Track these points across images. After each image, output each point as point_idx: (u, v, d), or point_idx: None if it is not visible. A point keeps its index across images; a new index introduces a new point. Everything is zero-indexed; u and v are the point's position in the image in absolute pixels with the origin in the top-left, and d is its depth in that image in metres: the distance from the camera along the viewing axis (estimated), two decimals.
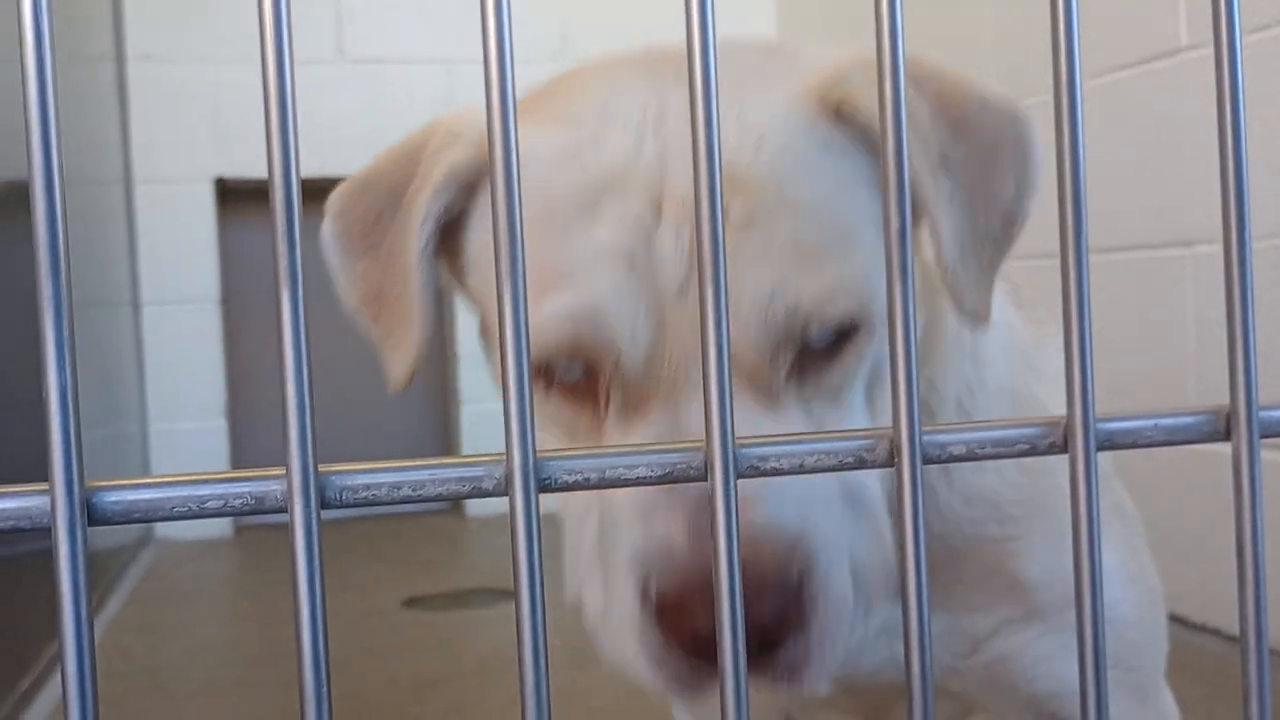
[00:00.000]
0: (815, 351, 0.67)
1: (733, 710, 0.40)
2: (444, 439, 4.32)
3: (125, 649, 2.55)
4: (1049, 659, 0.82)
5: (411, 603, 2.95)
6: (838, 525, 0.65)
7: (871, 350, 0.70)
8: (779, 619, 0.61)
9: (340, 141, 3.91)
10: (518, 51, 0.39)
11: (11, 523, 0.37)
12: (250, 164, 3.91)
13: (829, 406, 0.69)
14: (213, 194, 3.92)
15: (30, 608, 2.29)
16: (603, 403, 0.69)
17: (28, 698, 2.12)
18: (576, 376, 0.69)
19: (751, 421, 0.64)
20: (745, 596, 0.49)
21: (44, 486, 0.37)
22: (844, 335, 0.68)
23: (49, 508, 0.36)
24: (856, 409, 0.71)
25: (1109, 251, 2.52)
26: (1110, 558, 0.81)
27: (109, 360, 3.41)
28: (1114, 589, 0.81)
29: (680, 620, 0.61)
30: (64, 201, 0.36)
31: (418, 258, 0.74)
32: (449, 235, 0.77)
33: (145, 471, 3.83)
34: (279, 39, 0.38)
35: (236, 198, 4.03)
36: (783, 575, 0.61)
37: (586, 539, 0.71)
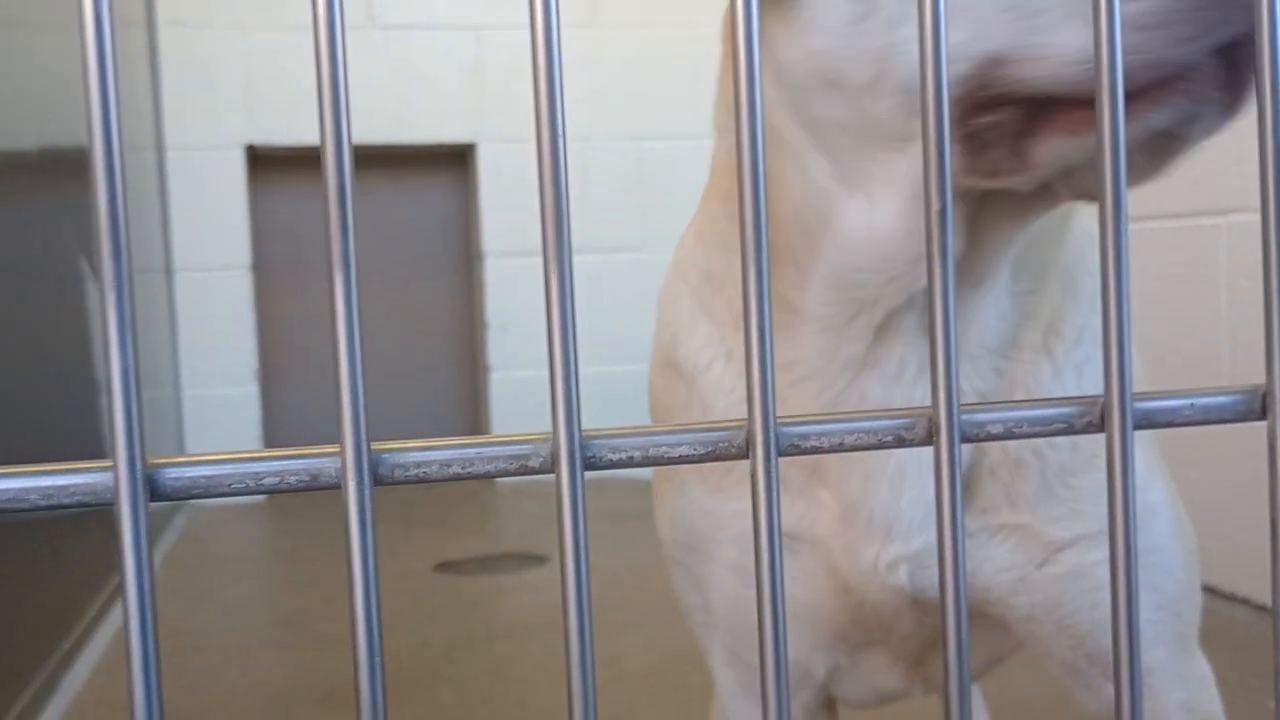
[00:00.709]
0: None
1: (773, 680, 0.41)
2: (472, 407, 4.34)
3: (161, 612, 2.60)
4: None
5: (442, 567, 2.99)
6: None
7: None
8: None
9: (369, 108, 3.92)
10: None
11: (78, 497, 0.38)
12: (280, 131, 3.93)
13: None
14: (243, 161, 3.94)
15: (70, 569, 2.33)
16: None
17: (69, 657, 2.17)
18: None
19: None
20: None
21: (108, 464, 0.38)
22: None
23: (113, 484, 0.38)
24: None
25: (1141, 220, 2.50)
26: (1159, 498, 0.82)
27: (143, 327, 3.44)
28: (1162, 536, 0.82)
29: None
30: (125, 184, 0.37)
31: None
32: None
33: (179, 435, 3.88)
34: (331, 25, 0.39)
35: (266, 165, 4.05)
36: None
37: None
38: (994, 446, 0.80)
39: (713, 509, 0.87)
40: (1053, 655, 0.85)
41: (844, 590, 0.84)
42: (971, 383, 0.78)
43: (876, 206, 0.70)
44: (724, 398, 0.85)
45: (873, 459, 0.80)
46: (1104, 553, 0.80)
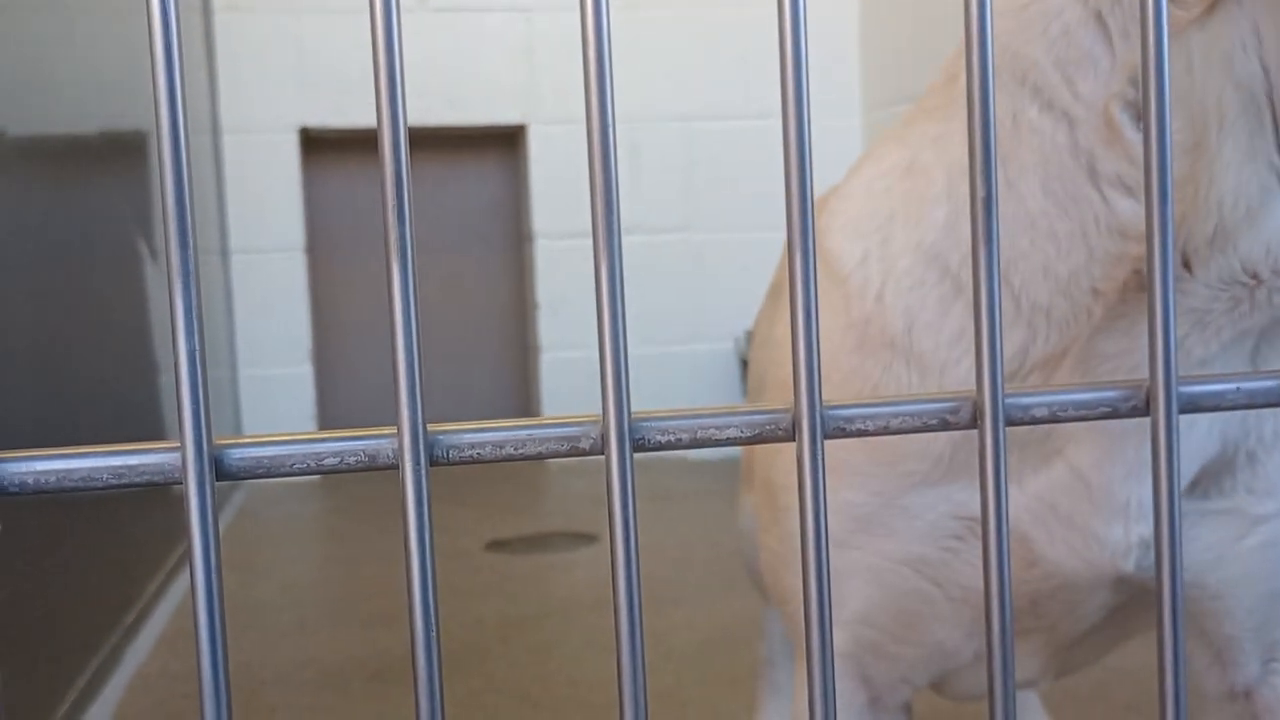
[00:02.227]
0: None
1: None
2: (522, 386, 4.37)
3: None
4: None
5: (494, 545, 3.02)
6: None
7: None
8: None
9: (420, 90, 3.95)
10: None
11: (147, 477, 0.40)
12: (333, 113, 3.96)
13: None
14: (297, 143, 3.99)
15: (132, 545, 2.39)
16: None
17: (132, 630, 2.22)
18: None
19: None
20: None
21: (175, 444, 0.39)
22: None
23: (180, 463, 0.39)
24: None
25: None
26: None
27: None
28: None
29: None
30: (190, 175, 0.38)
31: None
32: None
33: (236, 414, 3.94)
34: (388, 10, 0.40)
35: (320, 147, 4.09)
36: None
37: None
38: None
39: (900, 499, 0.83)
40: (1210, 629, 0.84)
41: (1041, 575, 0.81)
42: None
43: None
44: None
45: (1106, 439, 0.77)
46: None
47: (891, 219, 0.82)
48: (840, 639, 0.87)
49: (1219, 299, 0.70)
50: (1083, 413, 0.44)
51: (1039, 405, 0.43)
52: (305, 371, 4.05)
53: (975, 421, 0.43)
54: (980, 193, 0.42)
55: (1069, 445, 0.79)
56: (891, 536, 0.84)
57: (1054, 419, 0.43)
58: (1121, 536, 0.78)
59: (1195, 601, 0.82)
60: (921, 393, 0.48)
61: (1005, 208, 0.73)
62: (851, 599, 0.86)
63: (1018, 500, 0.80)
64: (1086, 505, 0.79)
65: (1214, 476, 0.80)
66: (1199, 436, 0.78)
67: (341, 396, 4.25)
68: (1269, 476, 0.80)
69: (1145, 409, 0.43)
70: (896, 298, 0.80)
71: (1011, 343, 0.75)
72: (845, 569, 0.85)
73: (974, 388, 0.43)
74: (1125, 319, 0.73)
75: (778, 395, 0.95)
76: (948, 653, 0.88)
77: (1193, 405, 0.44)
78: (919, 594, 0.84)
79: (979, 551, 0.82)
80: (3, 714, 0.37)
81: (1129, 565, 0.79)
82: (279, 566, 2.97)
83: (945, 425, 0.43)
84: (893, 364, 0.81)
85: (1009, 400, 0.43)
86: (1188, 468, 0.78)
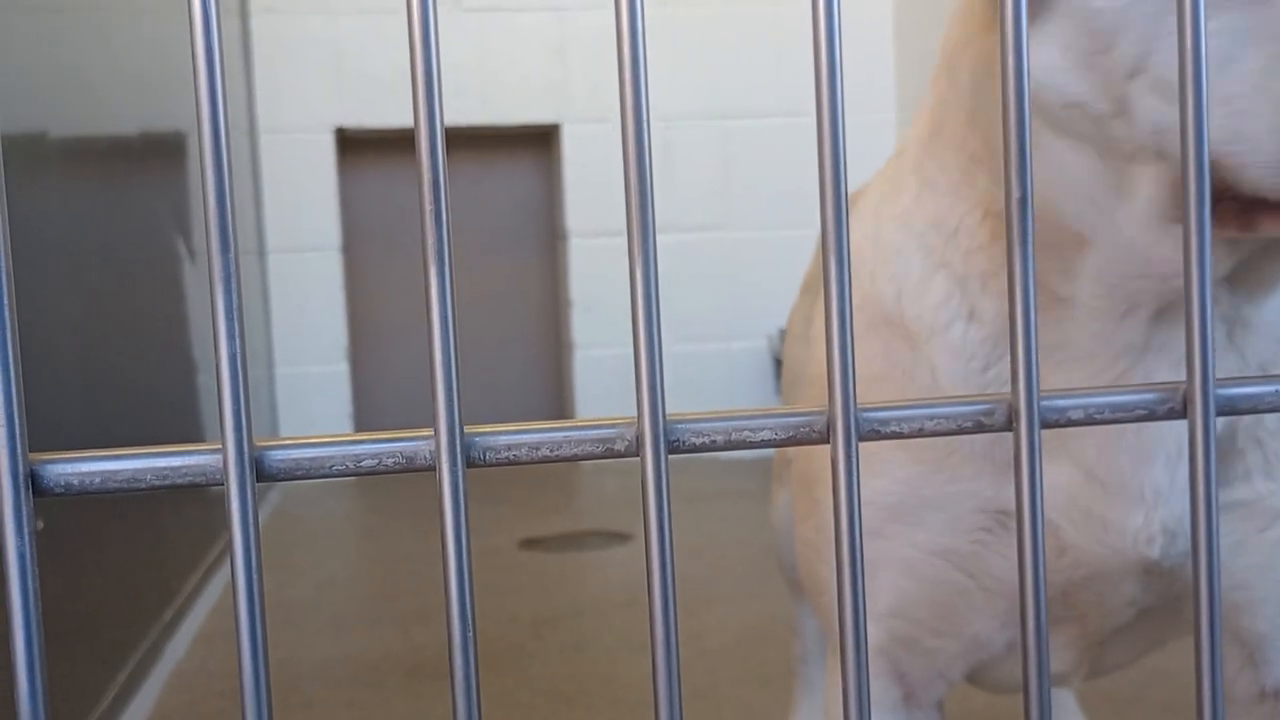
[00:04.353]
0: None
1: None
2: (556, 384, 4.38)
3: None
4: None
5: (528, 544, 3.03)
6: None
7: None
8: None
9: (455, 90, 3.97)
10: None
11: (189, 478, 0.40)
12: (369, 114, 3.99)
13: None
14: (333, 143, 4.02)
15: (170, 543, 2.41)
16: None
17: (171, 627, 2.25)
18: None
19: None
20: None
21: (216, 446, 0.40)
22: None
23: (222, 465, 0.40)
24: None
25: None
26: None
27: None
28: None
29: None
30: (232, 180, 0.39)
31: None
32: None
33: (273, 413, 3.97)
34: (425, 14, 0.40)
35: (356, 147, 4.11)
36: None
37: None
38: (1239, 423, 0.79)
39: (925, 490, 0.84)
40: (1244, 626, 0.83)
41: (1071, 564, 0.82)
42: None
43: (1133, 217, 0.69)
44: (963, 364, 0.80)
45: (1103, 434, 0.78)
46: None
47: (880, 204, 0.87)
48: (874, 634, 0.87)
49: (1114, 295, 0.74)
50: (1119, 415, 0.44)
51: (1074, 408, 0.43)
52: (341, 370, 4.08)
53: (1010, 424, 0.42)
54: (1016, 193, 0.41)
55: (1071, 442, 0.79)
56: (921, 526, 0.84)
57: (1089, 421, 0.43)
58: (1142, 524, 0.79)
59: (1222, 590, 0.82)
60: (956, 395, 0.47)
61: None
62: (885, 592, 0.86)
63: (1049, 498, 0.80)
64: (1103, 497, 0.79)
65: (1224, 464, 0.79)
66: None
67: (377, 394, 4.28)
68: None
69: (1182, 411, 0.43)
70: (885, 268, 0.84)
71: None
72: (878, 560, 0.85)
73: (1009, 390, 0.43)
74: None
75: (813, 391, 0.96)
76: (982, 644, 0.88)
77: (1230, 407, 0.43)
78: (953, 585, 0.84)
79: (1009, 542, 0.82)
80: (47, 711, 0.38)
81: (1154, 552, 0.79)
82: (315, 564, 2.99)
83: (980, 428, 0.43)
84: (891, 340, 0.83)
85: (1044, 403, 0.43)
86: None
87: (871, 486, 0.84)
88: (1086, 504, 0.80)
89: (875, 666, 0.89)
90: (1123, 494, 0.79)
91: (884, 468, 0.84)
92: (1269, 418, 0.79)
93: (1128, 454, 0.79)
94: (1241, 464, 0.80)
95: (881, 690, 0.90)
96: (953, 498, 0.83)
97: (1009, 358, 0.43)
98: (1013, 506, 0.80)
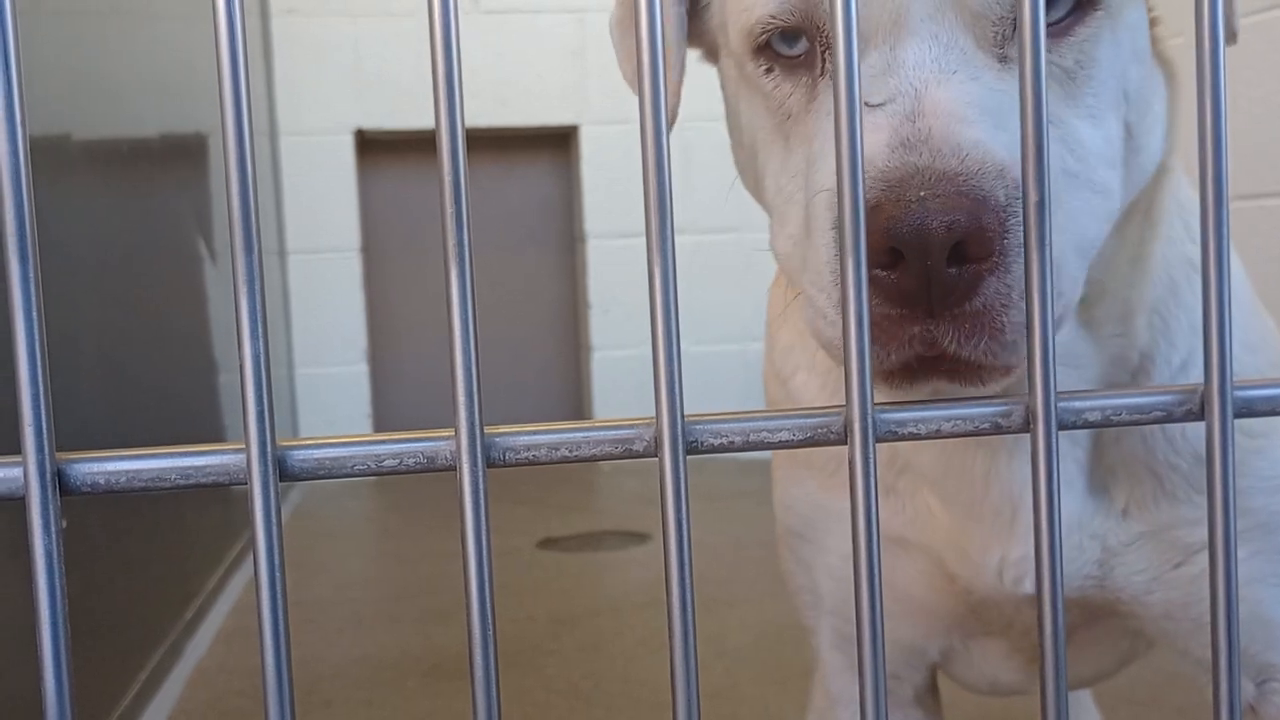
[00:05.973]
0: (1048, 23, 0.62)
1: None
2: (575, 385, 4.39)
3: None
4: (1254, 582, 0.80)
5: (546, 544, 3.04)
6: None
7: (1116, 42, 0.64)
8: (982, 244, 0.53)
9: (474, 92, 3.98)
10: None
11: (213, 477, 0.41)
12: (388, 115, 4.00)
13: (1066, 102, 0.63)
14: (353, 145, 4.03)
15: (192, 542, 2.43)
16: (819, 69, 0.68)
17: (192, 626, 2.26)
18: (797, 50, 0.69)
19: (974, 72, 0.60)
20: (945, 214, 0.51)
21: (240, 446, 0.41)
22: (1080, 8, 0.64)
23: (245, 465, 0.40)
24: (1112, 133, 0.66)
25: (1260, 198, 2.43)
26: None
27: None
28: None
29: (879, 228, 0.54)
30: (256, 183, 0.39)
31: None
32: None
33: (293, 413, 3.99)
34: (446, 18, 0.40)
35: (375, 148, 4.13)
36: (989, 192, 0.54)
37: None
38: (1128, 455, 0.79)
39: (824, 501, 0.87)
40: (1190, 654, 0.84)
41: (963, 590, 0.84)
42: None
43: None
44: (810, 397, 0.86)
45: (967, 466, 0.79)
46: (1244, 550, 0.79)
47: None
48: (825, 630, 0.93)
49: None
50: (1136, 417, 0.44)
51: (1092, 409, 0.43)
52: (360, 370, 4.10)
53: (1028, 425, 0.43)
54: (1034, 197, 0.42)
55: (923, 468, 0.81)
56: (831, 534, 0.88)
57: (1107, 423, 0.43)
58: (999, 561, 0.80)
59: (1146, 623, 0.83)
60: (975, 397, 0.48)
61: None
62: (826, 595, 0.91)
63: (932, 530, 0.83)
64: (965, 528, 0.80)
65: (1126, 492, 0.80)
66: (1081, 451, 0.80)
67: (396, 394, 4.29)
68: (1203, 506, 0.80)
69: (1200, 414, 0.43)
70: (769, 313, 0.93)
71: None
72: (813, 563, 0.90)
73: (1025, 392, 0.43)
74: None
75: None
76: (916, 649, 0.90)
77: (1248, 409, 0.44)
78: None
79: (909, 563, 0.83)
80: (72, 707, 0.38)
81: (1025, 588, 0.80)
82: (335, 563, 3.01)
83: (997, 429, 0.43)
84: (776, 382, 0.91)
85: (1061, 404, 0.43)
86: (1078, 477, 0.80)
87: (791, 494, 0.90)
88: (955, 536, 0.81)
89: (838, 661, 0.94)
90: (979, 526, 0.80)
91: (801, 476, 0.89)
92: (1160, 448, 0.79)
93: (969, 484, 0.79)
94: (1120, 500, 0.80)
95: (847, 684, 0.94)
96: (846, 515, 0.84)
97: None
98: (907, 533, 0.82)
